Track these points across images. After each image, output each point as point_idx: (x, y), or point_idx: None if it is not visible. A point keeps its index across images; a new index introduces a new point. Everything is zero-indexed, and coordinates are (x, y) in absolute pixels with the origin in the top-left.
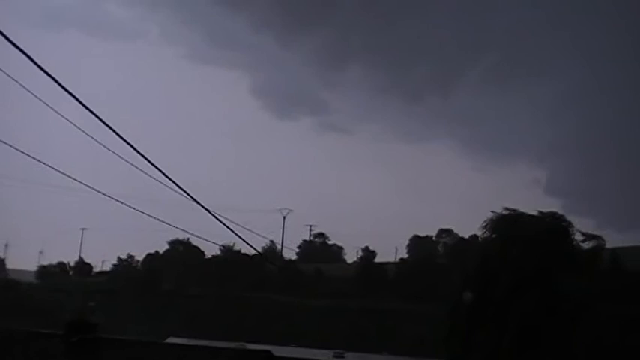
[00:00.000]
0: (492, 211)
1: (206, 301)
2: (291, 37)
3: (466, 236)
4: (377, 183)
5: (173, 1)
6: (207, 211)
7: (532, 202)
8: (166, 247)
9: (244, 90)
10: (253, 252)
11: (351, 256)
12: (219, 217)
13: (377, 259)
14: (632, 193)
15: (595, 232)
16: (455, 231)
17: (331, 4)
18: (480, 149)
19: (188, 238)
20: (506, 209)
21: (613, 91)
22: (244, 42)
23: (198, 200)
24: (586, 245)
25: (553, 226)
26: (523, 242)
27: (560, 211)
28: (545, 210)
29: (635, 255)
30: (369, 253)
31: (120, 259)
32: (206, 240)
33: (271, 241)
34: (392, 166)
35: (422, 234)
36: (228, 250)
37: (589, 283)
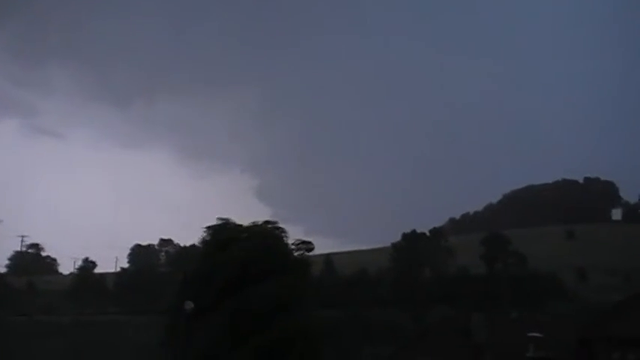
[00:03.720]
0: (210, 224)
1: None
2: None
3: (187, 244)
4: (95, 190)
5: None
6: None
7: (247, 209)
8: None
9: None
10: None
11: (67, 267)
12: None
13: (97, 270)
14: (338, 203)
15: (305, 238)
16: (176, 240)
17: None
18: (195, 156)
19: None
20: (220, 219)
21: (321, 105)
22: None
23: None
24: (297, 251)
25: (267, 232)
26: (235, 248)
27: (272, 219)
28: (259, 218)
29: (344, 259)
30: (88, 264)
31: None
32: None
33: None
34: (109, 172)
35: (144, 243)
36: None
37: (298, 285)
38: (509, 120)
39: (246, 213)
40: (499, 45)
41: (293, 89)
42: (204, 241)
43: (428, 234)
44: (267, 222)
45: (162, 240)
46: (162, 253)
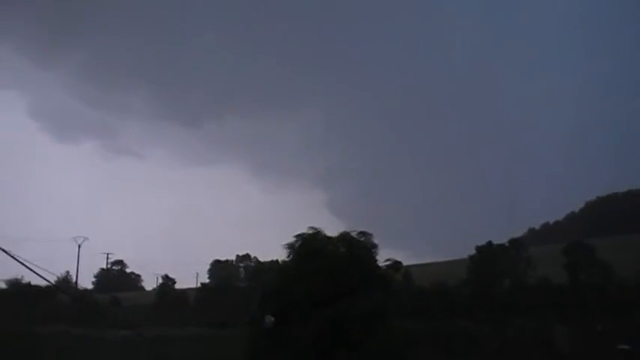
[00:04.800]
0: (296, 234)
1: None
2: (52, 57)
3: (266, 259)
4: (173, 207)
5: None
6: None
7: (321, 222)
8: None
9: (21, 112)
10: (45, 284)
11: (150, 283)
12: None
13: (177, 286)
14: (411, 214)
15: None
16: (253, 255)
17: (93, 25)
18: (266, 172)
19: None
20: (312, 228)
21: (381, 122)
22: (12, 64)
23: None
24: (383, 264)
25: (355, 242)
26: (321, 260)
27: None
28: (334, 231)
29: (420, 271)
30: (168, 280)
31: None
32: None
33: (67, 272)
34: (185, 189)
35: (222, 258)
36: (15, 284)
37: (385, 299)
38: (590, 124)
39: (321, 226)
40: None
41: (360, 104)
42: (292, 250)
43: (507, 244)
44: (361, 233)
45: (239, 256)
46: (241, 269)
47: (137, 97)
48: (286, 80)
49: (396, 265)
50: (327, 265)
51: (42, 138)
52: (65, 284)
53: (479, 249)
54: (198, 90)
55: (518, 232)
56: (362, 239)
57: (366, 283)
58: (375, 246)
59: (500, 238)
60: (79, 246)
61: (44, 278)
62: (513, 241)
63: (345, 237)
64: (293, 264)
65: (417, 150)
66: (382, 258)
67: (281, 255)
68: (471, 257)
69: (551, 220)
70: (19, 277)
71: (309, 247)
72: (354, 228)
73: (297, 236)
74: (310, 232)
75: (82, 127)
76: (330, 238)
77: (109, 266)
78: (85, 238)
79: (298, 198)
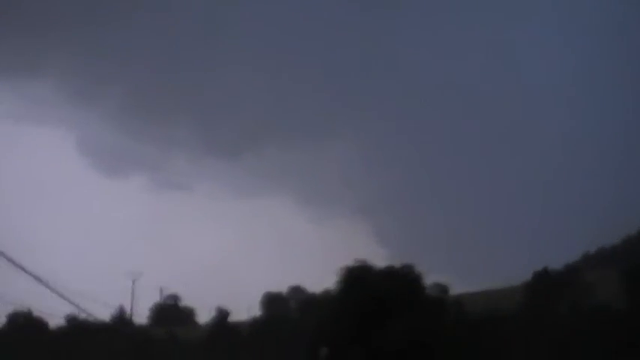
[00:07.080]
0: (344, 265)
1: None
2: (95, 93)
3: (316, 291)
4: (222, 240)
5: None
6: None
7: (365, 252)
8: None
9: (70, 148)
10: (101, 319)
11: (203, 317)
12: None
13: (230, 319)
14: (461, 242)
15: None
16: (303, 286)
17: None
18: (308, 202)
19: (29, 309)
20: (358, 260)
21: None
22: (59, 100)
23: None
24: (432, 293)
25: (403, 276)
26: (372, 293)
27: (392, 261)
28: (380, 261)
29: (472, 299)
30: (222, 313)
31: None
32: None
33: (121, 307)
34: (234, 223)
35: (273, 291)
36: (73, 320)
37: (434, 324)
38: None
39: (366, 255)
40: None
41: (399, 130)
42: (342, 282)
43: (562, 270)
44: (406, 265)
45: (291, 287)
46: (293, 301)
47: (180, 130)
48: (323, 111)
49: (439, 286)
50: (372, 292)
51: (91, 174)
52: (120, 320)
53: (536, 275)
54: (236, 121)
55: (573, 258)
56: (406, 271)
57: (412, 310)
58: (419, 276)
59: (555, 263)
60: (133, 281)
61: None
62: (569, 267)
63: (390, 270)
64: (342, 297)
65: (464, 175)
66: (430, 283)
67: (331, 285)
68: (527, 284)
69: (608, 245)
70: (76, 313)
71: (356, 281)
72: (400, 256)
73: (344, 269)
74: (356, 264)
75: (128, 161)
76: (374, 270)
77: (162, 300)
78: (140, 273)
79: (343, 227)
